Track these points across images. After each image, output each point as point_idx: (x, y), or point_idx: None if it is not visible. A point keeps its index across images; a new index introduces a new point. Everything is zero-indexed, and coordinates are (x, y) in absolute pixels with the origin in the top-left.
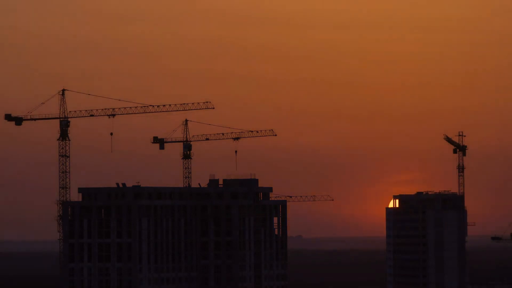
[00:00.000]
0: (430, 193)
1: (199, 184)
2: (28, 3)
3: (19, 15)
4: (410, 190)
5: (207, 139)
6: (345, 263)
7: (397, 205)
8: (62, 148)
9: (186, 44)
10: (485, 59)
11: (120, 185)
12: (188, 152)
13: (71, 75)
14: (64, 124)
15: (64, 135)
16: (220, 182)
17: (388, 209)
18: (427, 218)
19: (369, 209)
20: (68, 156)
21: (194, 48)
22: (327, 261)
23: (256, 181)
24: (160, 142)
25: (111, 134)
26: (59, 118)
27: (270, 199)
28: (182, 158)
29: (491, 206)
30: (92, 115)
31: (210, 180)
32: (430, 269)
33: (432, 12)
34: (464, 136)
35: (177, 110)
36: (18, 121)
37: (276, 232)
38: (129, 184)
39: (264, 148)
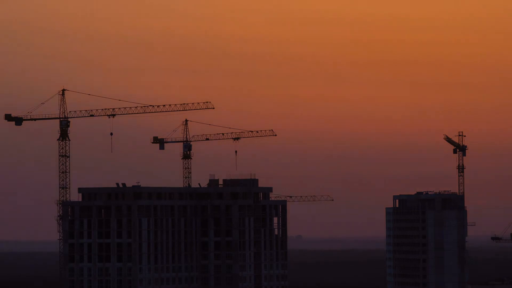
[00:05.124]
0: (430, 193)
1: (199, 184)
2: (27, 2)
3: (19, 14)
4: (410, 190)
5: (207, 139)
6: (345, 263)
7: (397, 205)
8: (62, 148)
9: (186, 44)
10: (486, 58)
11: (120, 185)
12: (188, 152)
13: (71, 75)
14: (64, 124)
15: (64, 135)
16: (220, 182)
17: (388, 209)
18: (427, 218)
19: (369, 209)
20: (68, 156)
21: (194, 48)
22: (327, 261)
23: (256, 181)
24: (160, 142)
25: (111, 134)
26: (59, 118)
27: (270, 199)
28: (182, 158)
29: (491, 206)
30: (92, 115)
31: (210, 180)
32: (430, 269)
33: (433, 12)
34: (464, 136)
35: (177, 110)
36: (18, 121)
37: (276, 232)
38: (129, 184)
39: (264, 148)
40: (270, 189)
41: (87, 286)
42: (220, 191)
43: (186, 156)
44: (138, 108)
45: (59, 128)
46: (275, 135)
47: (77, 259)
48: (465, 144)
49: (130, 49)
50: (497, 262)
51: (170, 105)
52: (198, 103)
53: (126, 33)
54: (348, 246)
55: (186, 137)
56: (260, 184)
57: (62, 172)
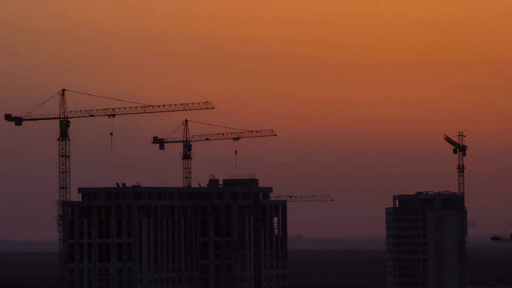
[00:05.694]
0: (430, 193)
1: (199, 184)
2: (27, 2)
3: (19, 14)
4: (410, 190)
5: (207, 139)
6: (345, 263)
7: (397, 205)
8: (62, 148)
9: (186, 44)
10: (486, 58)
11: (120, 185)
12: (188, 152)
13: (71, 75)
14: (64, 124)
15: (64, 135)
16: (220, 182)
17: (388, 209)
18: (427, 218)
19: (369, 209)
20: (68, 156)
21: (194, 48)
22: (327, 261)
23: (256, 181)
24: (160, 142)
25: (111, 134)
26: (59, 118)
27: (270, 199)
28: (182, 158)
29: (491, 206)
30: (92, 115)
31: (210, 180)
32: (430, 269)
33: (433, 12)
34: (464, 136)
35: (177, 110)
36: (18, 121)
37: (276, 232)
38: (129, 184)
39: (264, 148)
40: (270, 189)
41: (87, 286)
42: (220, 191)
43: (186, 156)
44: (138, 108)
45: (59, 128)
46: (275, 135)
47: (77, 259)
48: (465, 144)
49: (130, 49)
50: (497, 262)
51: (170, 105)
52: (198, 103)
53: (126, 33)
54: (348, 246)
55: (186, 137)
56: (260, 184)
57: (62, 172)
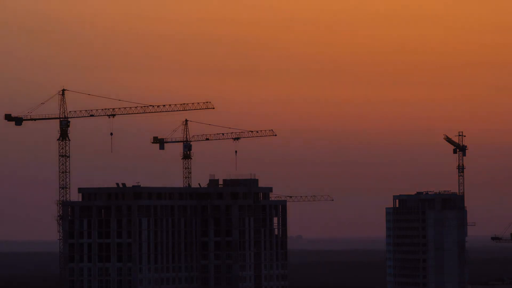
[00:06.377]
0: (430, 193)
1: (199, 184)
2: (27, 2)
3: (19, 15)
4: (410, 190)
5: (207, 139)
6: (345, 263)
7: (397, 205)
8: (62, 148)
9: (186, 44)
10: (486, 58)
11: (120, 185)
12: (188, 152)
13: (71, 75)
14: (64, 124)
15: (64, 135)
16: (220, 182)
17: (388, 209)
18: (427, 218)
19: (369, 209)
20: (68, 156)
21: (194, 48)
22: (327, 261)
23: (256, 181)
24: (160, 142)
25: (111, 134)
26: (59, 118)
27: (270, 199)
28: (182, 158)
29: (491, 206)
30: (92, 115)
31: (210, 180)
32: (430, 269)
33: (433, 11)
34: (464, 136)
35: (177, 110)
36: (18, 121)
37: (276, 232)
38: (129, 184)
39: (264, 148)
40: (270, 189)
41: (87, 286)
42: (220, 191)
43: (186, 156)
44: (138, 108)
45: (59, 128)
46: (275, 135)
47: (77, 259)
48: (465, 144)
49: (130, 49)
50: (497, 262)
51: (170, 105)
52: (198, 103)
53: (126, 33)
54: (348, 246)
55: (186, 137)
56: (260, 184)
57: (62, 172)
